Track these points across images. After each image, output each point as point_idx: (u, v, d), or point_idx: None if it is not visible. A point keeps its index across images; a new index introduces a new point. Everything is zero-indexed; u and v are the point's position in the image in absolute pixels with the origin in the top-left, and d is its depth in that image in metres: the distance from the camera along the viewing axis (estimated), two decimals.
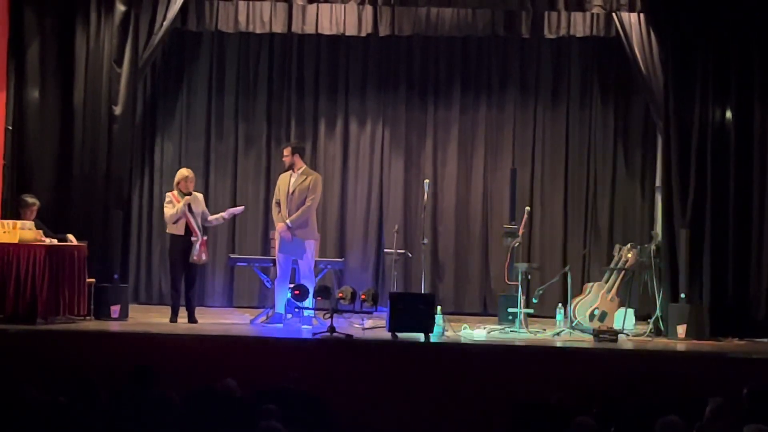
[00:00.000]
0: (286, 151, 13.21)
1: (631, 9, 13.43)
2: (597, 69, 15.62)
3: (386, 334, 11.82)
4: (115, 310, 12.96)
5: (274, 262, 13.29)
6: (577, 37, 14.66)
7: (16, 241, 12.07)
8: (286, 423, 7.10)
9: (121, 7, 13.52)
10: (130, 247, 14.57)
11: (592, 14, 14.15)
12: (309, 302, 12.49)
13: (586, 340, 12.41)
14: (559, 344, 12.29)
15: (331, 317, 11.96)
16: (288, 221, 12.89)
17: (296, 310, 12.95)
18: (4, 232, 12.14)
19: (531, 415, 8.19)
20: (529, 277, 13.84)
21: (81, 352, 11.03)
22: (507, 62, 15.77)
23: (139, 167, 15.32)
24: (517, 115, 15.74)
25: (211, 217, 13.18)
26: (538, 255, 15.44)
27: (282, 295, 12.93)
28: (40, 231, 12.43)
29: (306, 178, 13.05)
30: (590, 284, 13.67)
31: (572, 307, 13.29)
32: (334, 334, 11.67)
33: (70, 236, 12.71)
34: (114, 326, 12.51)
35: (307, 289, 12.32)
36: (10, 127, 13.45)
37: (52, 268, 12.03)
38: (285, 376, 9.02)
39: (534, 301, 13.61)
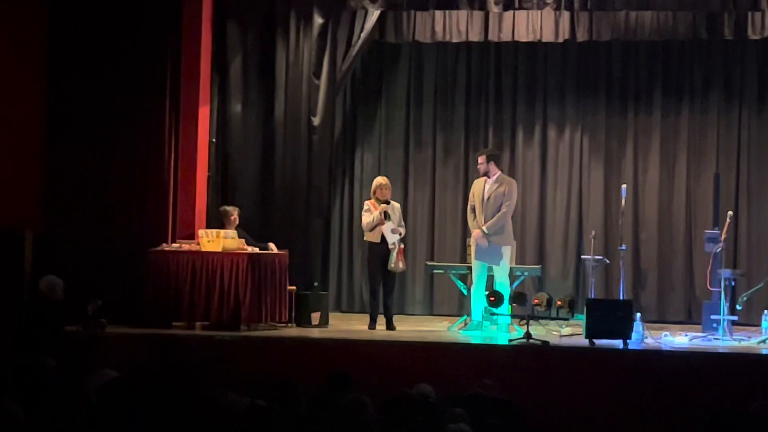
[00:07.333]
0: (481, 159, 13.22)
1: None
2: None
3: (584, 341, 11.70)
4: (315, 317, 13.20)
5: (470, 269, 13.30)
6: None
7: (219, 250, 12.39)
8: (476, 428, 7.08)
9: (319, 20, 13.78)
10: (332, 255, 14.82)
11: None
12: (505, 309, 12.45)
13: None
14: (764, 352, 11.94)
15: (527, 324, 11.90)
16: (484, 227, 12.89)
17: (492, 316, 12.94)
18: (209, 241, 12.48)
19: (729, 422, 7.97)
20: (734, 283, 13.47)
21: (281, 357, 11.30)
22: (710, 65, 15.38)
23: (339, 177, 15.58)
24: (721, 119, 15.34)
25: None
26: (744, 261, 15.02)
27: (478, 302, 12.93)
28: (243, 240, 12.70)
29: (501, 185, 13.03)
30: None
31: None
32: (530, 341, 11.62)
33: (272, 245, 12.98)
34: (314, 333, 12.74)
35: (503, 296, 12.29)
36: (214, 140, 13.84)
37: (254, 276, 12.31)
38: (479, 381, 9.01)
39: (738, 308, 13.26)
